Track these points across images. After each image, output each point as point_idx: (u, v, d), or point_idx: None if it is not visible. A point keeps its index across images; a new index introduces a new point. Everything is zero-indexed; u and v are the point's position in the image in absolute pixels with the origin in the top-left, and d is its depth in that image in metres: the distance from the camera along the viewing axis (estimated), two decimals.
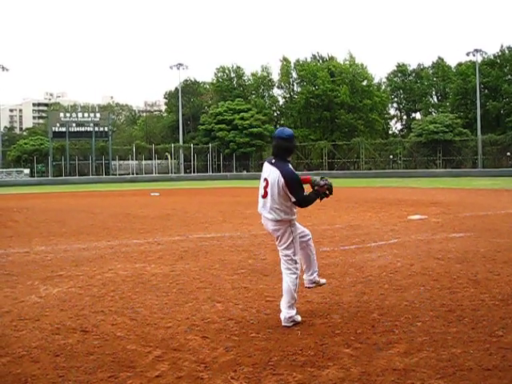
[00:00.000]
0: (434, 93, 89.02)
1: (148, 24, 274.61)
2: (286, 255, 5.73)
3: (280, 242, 5.76)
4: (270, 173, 5.65)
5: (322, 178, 5.87)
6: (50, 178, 65.42)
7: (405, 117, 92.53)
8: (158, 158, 73.03)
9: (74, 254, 10.43)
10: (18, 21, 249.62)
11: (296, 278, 5.69)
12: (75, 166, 69.39)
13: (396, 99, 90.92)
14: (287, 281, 5.67)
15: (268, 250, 10.31)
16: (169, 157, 73.45)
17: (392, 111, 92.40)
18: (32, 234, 13.76)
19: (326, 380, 4.22)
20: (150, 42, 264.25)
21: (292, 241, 5.72)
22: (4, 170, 66.88)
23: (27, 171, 66.94)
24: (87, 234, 13.54)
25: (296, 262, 5.75)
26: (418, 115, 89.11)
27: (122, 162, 72.97)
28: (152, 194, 32.93)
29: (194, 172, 71.35)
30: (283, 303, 5.67)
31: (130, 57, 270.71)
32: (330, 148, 75.04)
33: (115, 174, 68.89)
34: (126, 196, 32.13)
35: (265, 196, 5.73)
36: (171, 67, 77.22)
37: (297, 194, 5.59)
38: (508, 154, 64.26)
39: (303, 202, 5.70)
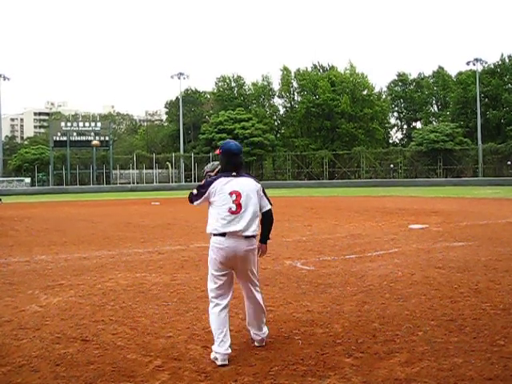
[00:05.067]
0: (434, 102, 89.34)
1: (149, 34, 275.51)
2: (254, 275, 5.27)
3: (250, 264, 5.18)
4: (241, 184, 5.15)
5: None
6: (50, 187, 65.52)
7: (405, 126, 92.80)
8: (159, 168, 73.10)
9: (74, 264, 10.42)
10: (19, 30, 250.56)
11: (261, 295, 5.40)
12: (76, 175, 69.49)
13: (396, 108, 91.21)
14: (259, 298, 5.28)
15: (268, 259, 10.29)
16: (169, 166, 73.50)
17: (392, 120, 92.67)
18: (33, 243, 13.75)
19: None
20: (151, 52, 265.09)
21: (258, 260, 5.36)
22: (5, 178, 66.89)
23: (28, 180, 67.01)
24: (88, 243, 13.53)
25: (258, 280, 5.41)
26: (418, 124, 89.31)
27: (122, 171, 73.07)
28: (153, 203, 32.94)
29: (194, 181, 71.26)
30: (259, 322, 5.29)
31: (131, 66, 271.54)
32: (331, 157, 75.11)
33: (116, 183, 69.03)
34: (126, 205, 32.12)
35: (238, 210, 5.08)
36: (172, 77, 77.40)
37: (269, 200, 5.34)
38: (508, 162, 64.39)
39: (272, 213, 5.38)
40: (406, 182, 60.95)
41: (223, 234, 5.05)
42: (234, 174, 5.18)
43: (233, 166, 5.25)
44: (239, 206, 5.07)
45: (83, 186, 65.69)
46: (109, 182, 69.94)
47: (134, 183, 69.21)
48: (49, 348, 5.35)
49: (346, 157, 75.84)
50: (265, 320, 5.37)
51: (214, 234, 5.10)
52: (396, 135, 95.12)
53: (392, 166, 72.58)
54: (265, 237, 5.37)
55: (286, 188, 58.72)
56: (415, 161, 71.46)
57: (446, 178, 65.19)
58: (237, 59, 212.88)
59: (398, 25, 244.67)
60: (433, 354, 4.93)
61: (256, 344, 5.28)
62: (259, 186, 5.24)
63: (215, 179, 5.21)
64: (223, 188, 5.12)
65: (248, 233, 5.06)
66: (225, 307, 5.10)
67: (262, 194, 5.25)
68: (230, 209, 5.06)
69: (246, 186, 5.16)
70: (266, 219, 5.33)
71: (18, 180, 66.65)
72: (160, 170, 73.22)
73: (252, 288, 5.25)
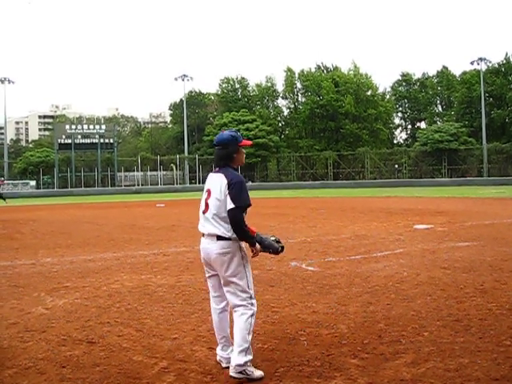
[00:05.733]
0: (438, 102, 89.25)
1: (153, 36, 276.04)
2: (240, 288, 4.69)
3: (227, 271, 4.65)
4: (212, 182, 4.75)
5: (276, 241, 4.97)
6: (55, 189, 65.62)
7: (409, 126, 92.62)
8: (164, 169, 73.12)
9: (79, 266, 10.44)
10: (23, 34, 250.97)
11: (251, 316, 4.65)
12: (81, 178, 69.63)
13: (401, 108, 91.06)
14: (238, 321, 4.62)
15: (274, 260, 10.30)
16: (174, 168, 73.56)
17: (397, 120, 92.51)
18: (38, 245, 13.78)
19: None
20: (155, 54, 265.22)
21: (244, 268, 4.72)
22: (10, 181, 67.07)
23: (33, 183, 67.22)
24: (93, 245, 13.56)
25: (251, 297, 4.72)
26: (422, 124, 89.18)
27: (127, 173, 73.14)
28: (157, 205, 32.97)
29: (199, 183, 71.30)
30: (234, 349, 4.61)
31: (135, 69, 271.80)
32: (335, 158, 75.10)
33: (121, 186, 69.12)
34: (131, 207, 32.16)
35: (206, 210, 4.72)
36: (176, 79, 77.59)
37: (237, 199, 4.55)
38: None
39: (239, 216, 4.57)
40: (411, 182, 60.85)
41: (202, 234, 4.86)
42: (217, 168, 4.82)
43: (214, 161, 4.95)
44: (207, 205, 4.73)
45: (88, 189, 65.78)
46: (113, 184, 70.05)
47: (138, 185, 69.28)
48: (55, 350, 5.36)
49: (351, 157, 75.85)
50: (243, 345, 4.55)
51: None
52: (400, 135, 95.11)
53: (396, 166, 72.58)
54: (243, 240, 4.69)
55: (291, 189, 58.72)
56: (420, 161, 71.38)
57: (451, 177, 65.09)
58: (240, 61, 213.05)
59: (402, 25, 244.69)
60: (439, 354, 4.92)
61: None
62: (225, 181, 4.60)
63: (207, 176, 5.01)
64: (205, 186, 4.89)
65: (216, 232, 4.64)
66: (222, 311, 4.90)
67: (228, 190, 4.58)
68: (202, 208, 4.82)
69: (215, 183, 4.71)
70: (230, 221, 4.61)
71: (23, 183, 66.89)
72: (164, 172, 73.25)
73: (232, 301, 4.73)
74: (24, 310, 7.01)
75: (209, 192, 4.74)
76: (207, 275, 5.00)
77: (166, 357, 5.09)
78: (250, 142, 5.39)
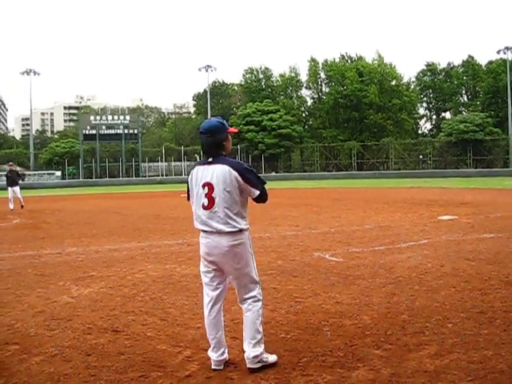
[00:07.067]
0: (464, 92, 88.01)
1: (177, 27, 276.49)
2: (250, 279, 4.66)
3: (240, 262, 4.56)
4: (213, 174, 4.48)
5: None
6: (80, 179, 66.14)
7: (434, 116, 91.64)
8: (187, 160, 73.29)
9: (105, 255, 10.54)
10: (49, 26, 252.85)
11: (261, 306, 4.68)
12: (105, 168, 70.04)
13: (425, 98, 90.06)
14: (249, 315, 4.62)
15: (297, 251, 10.32)
16: (198, 158, 73.65)
17: (421, 111, 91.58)
18: (64, 235, 13.94)
19: (355, 381, 4.21)
20: (179, 45, 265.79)
21: (252, 256, 4.68)
22: (36, 172, 67.78)
23: (59, 173, 67.80)
24: (118, 235, 13.67)
25: (260, 286, 4.75)
26: (447, 114, 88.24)
27: (151, 163, 73.50)
28: (182, 195, 33.06)
29: None
30: (247, 342, 4.61)
31: (159, 60, 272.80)
32: (359, 148, 74.62)
33: (145, 176, 69.46)
34: (155, 197, 32.35)
35: (211, 205, 4.48)
36: (200, 69, 77.42)
37: (258, 183, 4.50)
38: None
39: (266, 193, 4.57)
40: (436, 172, 60.22)
41: (203, 231, 4.62)
42: (210, 159, 4.58)
43: (203, 150, 4.66)
44: (212, 200, 4.48)
45: (113, 179, 66.09)
46: (138, 174, 70.37)
47: (162, 176, 69.54)
48: (80, 338, 5.44)
49: (375, 148, 75.24)
50: (257, 336, 4.59)
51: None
52: (425, 126, 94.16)
53: (421, 156, 71.82)
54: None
55: (314, 180, 58.54)
56: (444, 151, 70.60)
57: (476, 168, 64.25)
58: (264, 51, 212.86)
59: (427, 14, 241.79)
60: (462, 346, 4.90)
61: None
62: (234, 173, 4.43)
63: (193, 168, 4.74)
64: (196, 180, 4.61)
65: (227, 229, 4.48)
66: (218, 310, 4.77)
67: (244, 181, 4.45)
68: (203, 204, 4.54)
69: (217, 175, 4.47)
70: (262, 202, 4.63)
71: (48, 173, 67.46)
72: (188, 163, 73.30)
73: (244, 295, 4.68)
74: (50, 299, 7.10)
75: (210, 186, 4.49)
76: (205, 270, 4.73)
77: (190, 346, 5.13)
78: (235, 130, 5.21)
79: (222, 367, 4.58)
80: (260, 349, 4.56)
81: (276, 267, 8.74)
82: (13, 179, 23.87)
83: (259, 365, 4.53)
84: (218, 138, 4.55)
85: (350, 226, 13.90)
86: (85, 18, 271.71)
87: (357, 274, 8.10)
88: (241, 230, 4.53)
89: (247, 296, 4.64)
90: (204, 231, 4.60)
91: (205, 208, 4.52)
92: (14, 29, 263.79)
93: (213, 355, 4.63)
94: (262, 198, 4.55)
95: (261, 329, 4.61)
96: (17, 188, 23.72)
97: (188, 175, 4.72)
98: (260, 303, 4.66)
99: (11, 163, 26.65)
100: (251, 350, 4.53)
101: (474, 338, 5.11)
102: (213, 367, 4.58)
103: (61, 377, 4.47)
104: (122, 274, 8.61)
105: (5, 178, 25.46)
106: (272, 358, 4.64)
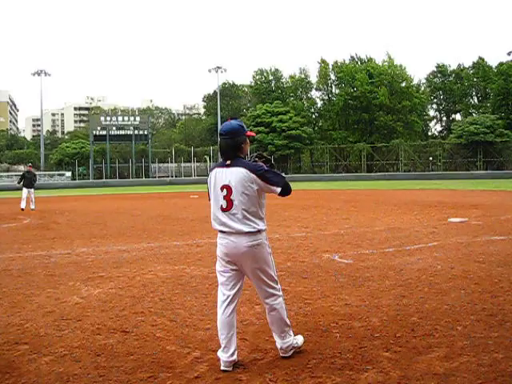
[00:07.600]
0: (474, 93, 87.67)
1: (187, 28, 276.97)
2: (270, 277, 4.75)
3: (259, 262, 4.65)
4: (232, 176, 4.55)
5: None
6: (90, 180, 66.55)
7: (444, 118, 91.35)
8: (197, 161, 73.46)
9: (114, 256, 10.57)
10: (60, 27, 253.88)
11: (283, 301, 4.84)
12: (115, 169, 70.33)
13: (435, 100, 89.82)
14: (274, 312, 4.76)
15: (307, 252, 10.31)
16: (207, 159, 73.82)
17: (431, 112, 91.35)
18: (73, 235, 13.99)
19: (364, 383, 4.20)
20: (189, 46, 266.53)
21: (271, 256, 4.75)
22: (46, 172, 68.11)
23: (69, 174, 68.12)
24: (127, 235, 13.71)
25: (278, 283, 4.85)
26: (458, 116, 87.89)
27: (161, 164, 73.77)
28: (191, 196, 33.15)
29: None
30: (277, 335, 4.80)
31: (169, 61, 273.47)
32: (369, 150, 74.49)
33: (155, 177, 69.70)
34: (165, 198, 32.40)
35: (229, 207, 4.57)
36: (210, 70, 77.57)
37: (278, 180, 4.58)
38: None
39: (288, 186, 4.64)
40: (446, 174, 60.00)
41: (221, 231, 4.69)
42: (227, 162, 4.63)
43: (221, 151, 4.73)
44: (230, 202, 4.57)
45: (122, 180, 66.43)
46: (148, 175, 70.68)
47: (172, 176, 69.72)
48: (90, 339, 5.45)
49: (385, 149, 75.09)
50: (286, 329, 4.79)
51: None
52: (435, 127, 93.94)
53: (431, 158, 71.61)
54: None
55: (324, 181, 58.52)
56: (455, 153, 70.36)
57: (487, 170, 64.02)
58: (274, 52, 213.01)
59: (437, 15, 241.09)
60: (472, 349, 4.87)
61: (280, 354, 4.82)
62: (252, 175, 4.52)
63: (211, 170, 4.79)
64: (215, 182, 4.67)
65: (246, 229, 4.56)
66: (232, 310, 4.79)
67: (263, 182, 4.55)
68: (222, 206, 4.62)
69: (235, 177, 4.55)
70: (286, 195, 4.70)
71: (59, 174, 67.82)
72: (198, 164, 73.56)
73: (265, 293, 4.77)
74: (60, 299, 7.13)
75: (228, 188, 4.56)
76: (222, 270, 4.79)
77: (199, 347, 5.13)
78: (253, 133, 5.25)
79: (231, 368, 4.56)
80: (290, 338, 4.80)
81: (285, 269, 8.73)
82: (30, 180, 24.03)
83: (291, 352, 4.79)
84: (237, 140, 4.64)
85: (360, 228, 13.88)
86: (96, 20, 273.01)
87: (366, 275, 8.09)
88: (259, 231, 4.61)
89: (268, 294, 4.75)
90: (222, 232, 4.67)
91: (223, 210, 4.61)
92: (26, 30, 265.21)
93: (223, 356, 4.62)
94: (285, 193, 4.63)
95: (288, 321, 4.83)
96: (31, 190, 23.87)
97: (207, 177, 4.80)
98: (281, 299, 4.81)
99: (30, 164, 27.29)
100: (282, 342, 4.76)
101: (483, 340, 5.08)
102: (222, 368, 4.57)
103: (70, 377, 4.48)
104: (131, 275, 8.63)
105: (16, 178, 25.72)
106: (300, 340, 4.96)
